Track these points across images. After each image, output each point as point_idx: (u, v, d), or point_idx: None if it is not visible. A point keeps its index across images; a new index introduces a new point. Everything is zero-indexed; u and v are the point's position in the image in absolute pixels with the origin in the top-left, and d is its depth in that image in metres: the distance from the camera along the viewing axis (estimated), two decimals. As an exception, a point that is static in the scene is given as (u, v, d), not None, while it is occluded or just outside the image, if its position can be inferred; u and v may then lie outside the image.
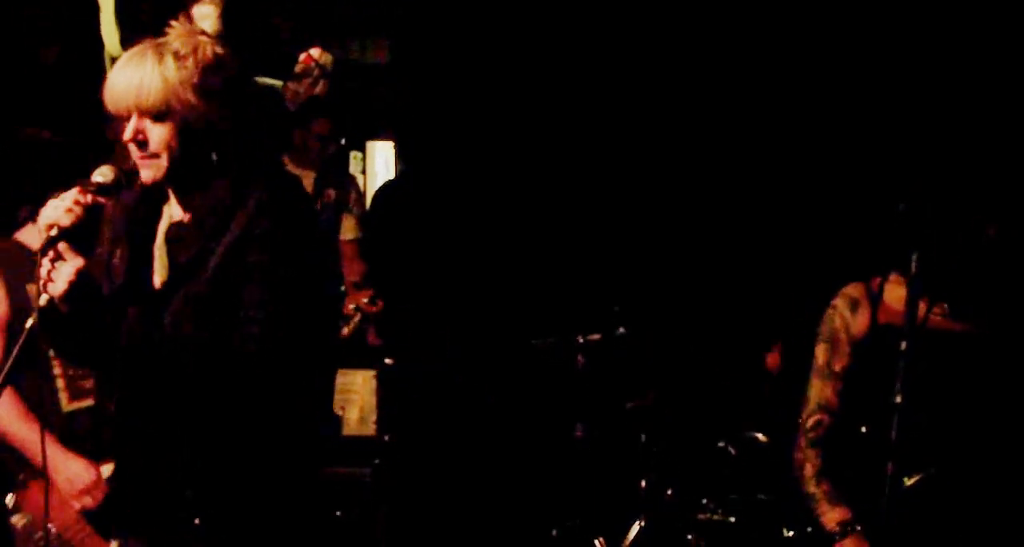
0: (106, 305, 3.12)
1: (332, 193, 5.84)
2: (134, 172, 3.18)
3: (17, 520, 4.21)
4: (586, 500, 5.80)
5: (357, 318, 5.43)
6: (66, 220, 3.07)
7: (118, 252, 3.28)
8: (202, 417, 3.15)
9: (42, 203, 3.15)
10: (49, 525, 4.19)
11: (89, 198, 3.12)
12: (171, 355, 3.08)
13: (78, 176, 3.23)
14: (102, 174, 3.17)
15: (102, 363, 3.28)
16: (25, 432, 4.17)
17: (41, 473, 4.16)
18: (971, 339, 4.00)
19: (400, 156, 6.77)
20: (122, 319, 3.12)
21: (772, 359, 5.92)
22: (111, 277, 3.27)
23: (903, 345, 3.54)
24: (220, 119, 3.15)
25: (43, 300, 3.05)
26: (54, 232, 3.06)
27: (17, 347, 3.03)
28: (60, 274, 3.03)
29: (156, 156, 3.13)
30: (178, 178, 3.19)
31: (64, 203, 3.09)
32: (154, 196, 3.27)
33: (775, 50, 6.39)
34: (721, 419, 5.78)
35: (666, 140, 6.56)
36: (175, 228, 3.24)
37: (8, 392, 3.92)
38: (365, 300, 5.41)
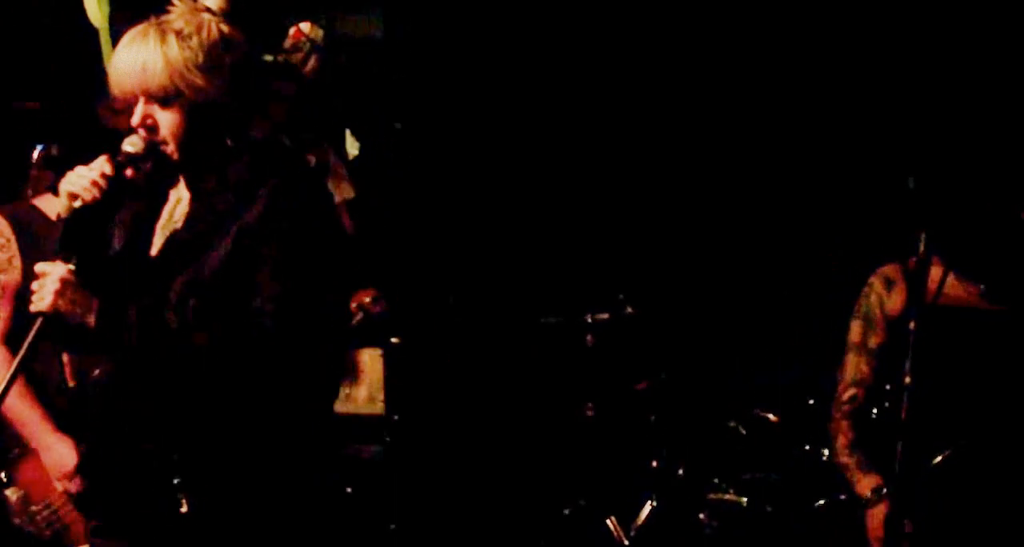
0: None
1: (312, 159, 5.65)
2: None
3: (11, 493, 4.19)
4: (597, 480, 5.80)
5: (359, 317, 5.38)
6: (89, 195, 3.00)
7: (117, 232, 3.21)
8: (199, 405, 3.07)
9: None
10: (44, 501, 4.16)
11: (114, 170, 3.03)
12: (175, 341, 3.02)
13: (69, 146, 3.20)
14: (132, 143, 3.06)
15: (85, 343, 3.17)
16: (20, 407, 4.12)
17: (30, 451, 4.18)
18: (1006, 320, 4.00)
19: (360, 140, 6.67)
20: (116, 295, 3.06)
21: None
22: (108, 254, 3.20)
23: (911, 326, 3.55)
24: (229, 100, 3.07)
25: None
26: (78, 204, 2.99)
27: (33, 332, 2.95)
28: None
29: (165, 143, 3.06)
30: (190, 162, 3.12)
31: (91, 174, 3.01)
32: (162, 178, 3.19)
33: (783, 26, 6.36)
34: (731, 398, 5.77)
35: (674, 117, 6.51)
36: (188, 208, 3.16)
37: (5, 367, 3.90)
38: (368, 300, 5.36)
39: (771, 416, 5.53)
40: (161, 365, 3.03)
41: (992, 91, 5.67)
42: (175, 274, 3.09)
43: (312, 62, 4.74)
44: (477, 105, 6.43)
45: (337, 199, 5.57)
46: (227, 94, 3.07)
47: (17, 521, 4.18)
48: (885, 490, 3.97)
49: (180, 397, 3.06)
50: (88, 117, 3.25)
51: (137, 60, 3.01)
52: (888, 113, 6.01)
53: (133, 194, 3.19)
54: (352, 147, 6.61)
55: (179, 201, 3.21)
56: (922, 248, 3.58)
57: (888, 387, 4.16)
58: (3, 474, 4.22)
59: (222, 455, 3.10)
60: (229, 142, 3.11)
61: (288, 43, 4.70)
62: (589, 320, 5.75)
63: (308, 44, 4.68)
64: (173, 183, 3.22)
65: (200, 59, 3.02)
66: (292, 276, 3.04)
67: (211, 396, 3.05)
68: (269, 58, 4.66)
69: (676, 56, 6.47)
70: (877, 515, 3.97)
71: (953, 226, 3.91)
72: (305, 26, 4.71)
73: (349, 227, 5.53)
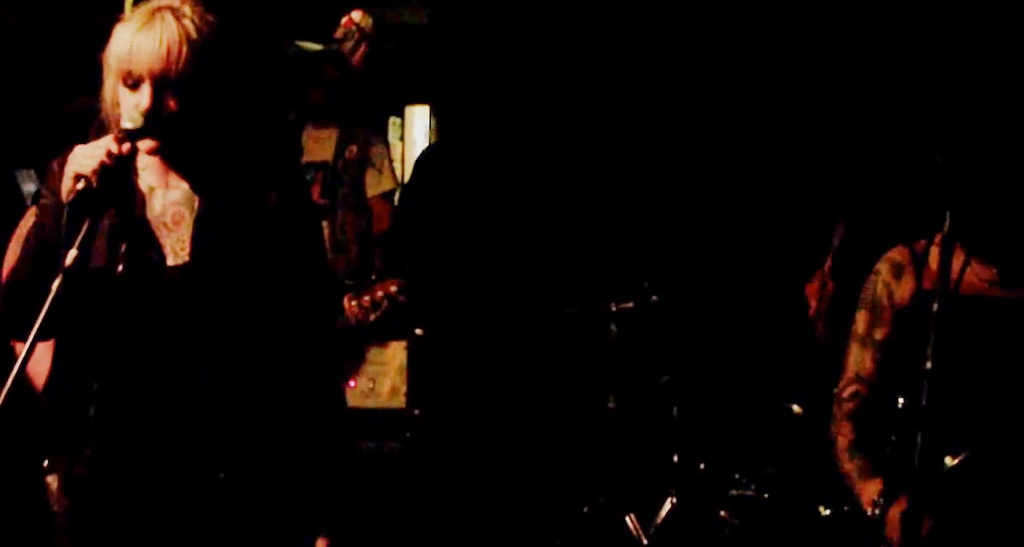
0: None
1: (355, 149, 5.74)
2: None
3: (52, 481, 4.14)
4: (617, 475, 5.74)
5: (385, 306, 5.31)
6: (95, 177, 2.94)
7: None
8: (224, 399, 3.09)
9: None
10: None
11: (126, 148, 2.99)
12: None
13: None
14: (132, 120, 3.03)
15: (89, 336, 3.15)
16: None
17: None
18: (1020, 308, 3.91)
19: (438, 122, 6.66)
20: (117, 293, 3.06)
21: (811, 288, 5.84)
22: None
23: (935, 308, 3.46)
24: (231, 85, 3.11)
25: (70, 258, 2.91)
26: (81, 185, 2.94)
27: (45, 307, 2.87)
28: None
29: (166, 120, 3.05)
30: (183, 146, 3.13)
31: (98, 153, 2.97)
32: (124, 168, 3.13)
33: (802, 11, 6.32)
34: (755, 391, 5.70)
35: (699, 106, 6.50)
36: (201, 206, 3.16)
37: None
38: (394, 288, 5.29)
39: (795, 408, 5.46)
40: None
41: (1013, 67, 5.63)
42: (210, 278, 3.12)
43: (362, 50, 4.69)
44: (505, 96, 6.39)
45: (373, 191, 5.54)
46: (230, 78, 3.11)
47: (55, 508, 4.13)
48: (886, 497, 3.87)
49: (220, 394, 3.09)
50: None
51: (158, 40, 3.03)
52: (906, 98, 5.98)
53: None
54: (393, 137, 6.58)
55: (153, 189, 3.19)
56: (947, 227, 3.50)
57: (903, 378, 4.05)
58: (47, 462, 4.15)
59: (238, 453, 3.11)
60: (220, 131, 3.12)
61: (339, 32, 4.69)
62: (613, 309, 5.68)
63: (358, 33, 4.63)
64: (132, 172, 3.17)
65: (213, 39, 3.07)
66: (328, 275, 3.28)
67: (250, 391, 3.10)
68: (319, 47, 4.63)
69: (696, 44, 6.48)
70: (890, 522, 3.86)
71: (975, 205, 3.80)
72: (356, 15, 4.70)
73: (386, 219, 5.50)
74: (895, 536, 3.79)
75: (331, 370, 3.28)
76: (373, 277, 5.16)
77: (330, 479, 3.18)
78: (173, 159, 3.15)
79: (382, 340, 5.49)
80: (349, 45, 4.68)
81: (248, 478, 3.11)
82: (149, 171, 3.17)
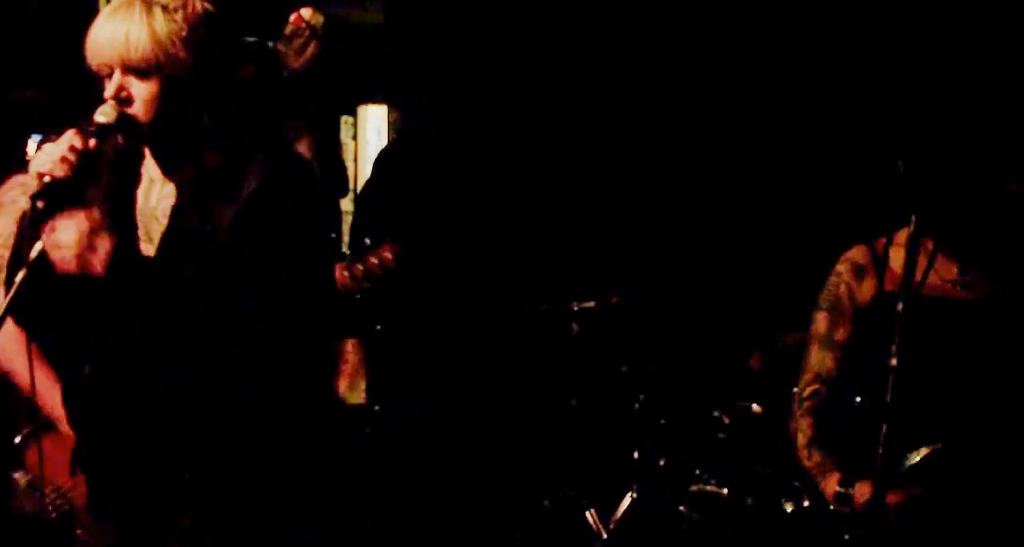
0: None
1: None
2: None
3: (20, 476, 4.12)
4: (577, 471, 5.76)
5: (378, 274, 5.11)
6: (60, 170, 2.90)
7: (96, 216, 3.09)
8: (207, 393, 3.05)
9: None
10: (53, 484, 4.05)
11: (91, 143, 2.95)
12: (193, 330, 3.00)
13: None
14: (104, 113, 2.99)
15: (76, 326, 3.18)
16: (37, 375, 3.80)
17: (42, 432, 4.02)
18: (983, 308, 3.93)
19: (397, 121, 6.66)
20: (104, 284, 3.01)
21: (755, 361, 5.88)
22: None
23: (900, 306, 3.49)
24: (209, 78, 3.04)
25: (35, 252, 2.91)
26: (47, 180, 2.90)
27: (7, 300, 2.88)
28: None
29: (137, 115, 3.01)
30: (162, 140, 3.08)
31: (59, 149, 2.93)
32: (130, 155, 3.14)
33: (769, 17, 6.34)
34: (715, 388, 5.73)
35: (665, 105, 6.52)
36: (178, 195, 3.12)
37: (23, 340, 3.76)
38: (389, 255, 5.09)
39: (755, 406, 5.49)
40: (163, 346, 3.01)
41: (975, 64, 5.65)
42: (177, 274, 3.06)
43: (311, 48, 4.65)
44: (465, 94, 6.40)
45: None
46: (207, 72, 3.03)
47: (24, 504, 4.09)
48: (847, 487, 3.90)
49: (181, 389, 3.05)
50: (93, 103, 3.12)
51: (119, 31, 2.97)
52: (873, 102, 5.99)
53: (108, 170, 3.13)
54: (346, 136, 6.56)
55: (152, 182, 3.15)
56: (912, 229, 3.52)
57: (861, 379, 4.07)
58: (17, 443, 4.16)
59: (223, 448, 3.09)
60: (207, 122, 3.07)
61: (288, 29, 4.62)
62: (575, 308, 5.69)
63: (308, 30, 4.59)
64: (141, 161, 3.16)
65: (184, 33, 2.99)
66: (293, 266, 3.06)
67: (210, 388, 3.05)
68: (269, 44, 4.58)
69: (669, 44, 6.48)
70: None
71: (941, 203, 3.82)
72: (306, 12, 4.63)
73: None
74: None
75: (323, 366, 3.21)
76: (367, 243, 5.04)
77: (323, 476, 3.16)
78: (159, 152, 3.11)
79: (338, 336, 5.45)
80: (299, 43, 4.64)
81: (240, 476, 3.10)
82: (151, 164, 3.14)
